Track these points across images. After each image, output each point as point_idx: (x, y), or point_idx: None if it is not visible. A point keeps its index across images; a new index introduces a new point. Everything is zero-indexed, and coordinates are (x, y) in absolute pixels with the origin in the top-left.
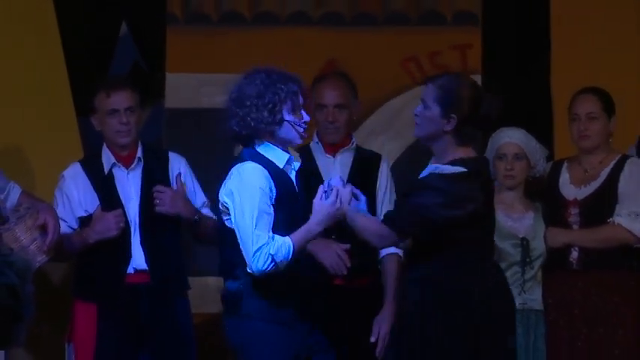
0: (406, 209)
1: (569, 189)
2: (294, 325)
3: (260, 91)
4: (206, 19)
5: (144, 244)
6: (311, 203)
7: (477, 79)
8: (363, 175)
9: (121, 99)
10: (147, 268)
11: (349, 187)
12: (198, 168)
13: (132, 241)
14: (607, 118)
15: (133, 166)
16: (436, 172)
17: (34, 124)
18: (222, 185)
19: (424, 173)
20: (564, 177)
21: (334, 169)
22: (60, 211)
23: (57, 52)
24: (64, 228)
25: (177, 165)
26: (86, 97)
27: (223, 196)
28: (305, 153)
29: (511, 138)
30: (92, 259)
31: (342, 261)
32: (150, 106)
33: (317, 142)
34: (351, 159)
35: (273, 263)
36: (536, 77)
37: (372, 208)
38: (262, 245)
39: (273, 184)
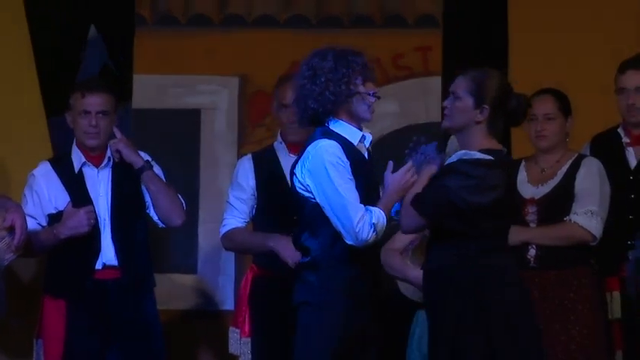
0: (432, 191)
1: (527, 188)
2: (366, 302)
3: (333, 66)
4: (174, 22)
5: (114, 240)
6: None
7: (438, 80)
8: None
9: (94, 101)
10: (117, 264)
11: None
12: (165, 168)
13: (102, 237)
14: (564, 118)
15: (102, 165)
16: (465, 157)
17: (3, 124)
18: (300, 165)
19: (452, 159)
20: (522, 176)
21: None
22: (29, 209)
23: (27, 53)
24: (33, 225)
25: None
26: (56, 98)
27: (304, 177)
28: (268, 153)
29: None
30: (62, 255)
31: None
32: (118, 107)
33: (280, 142)
34: None
35: (375, 232)
36: None
37: None
38: (363, 215)
39: (348, 161)
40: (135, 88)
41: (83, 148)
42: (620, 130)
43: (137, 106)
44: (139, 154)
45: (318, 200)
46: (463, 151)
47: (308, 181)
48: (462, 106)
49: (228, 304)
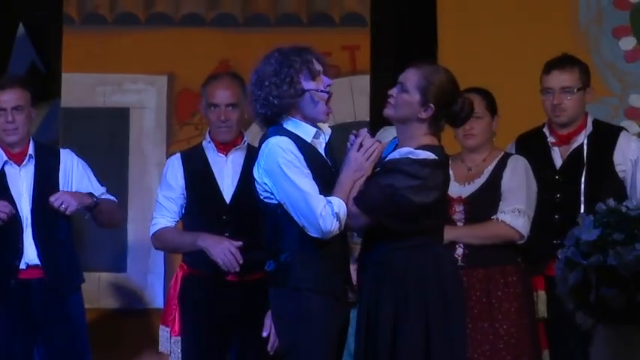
0: (375, 188)
1: (454, 186)
2: (341, 297)
3: (276, 69)
4: (101, 20)
5: (36, 239)
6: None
7: (366, 79)
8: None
9: (8, 98)
10: (39, 263)
11: (377, 142)
12: (93, 166)
13: (24, 236)
14: (490, 117)
15: (24, 163)
16: (410, 156)
17: None
18: (256, 166)
19: (394, 155)
20: None
21: (226, 167)
22: None
23: None
24: None
25: (70, 160)
26: None
27: (262, 177)
28: (197, 152)
29: (395, 136)
30: None
31: (234, 258)
32: (46, 105)
33: (209, 142)
34: (243, 158)
35: (338, 222)
36: None
37: None
38: (325, 206)
39: (302, 155)
40: (63, 87)
41: (4, 147)
42: (545, 130)
43: (66, 105)
44: (84, 196)
45: (278, 198)
46: (407, 149)
47: (266, 180)
48: (408, 99)
49: (158, 303)
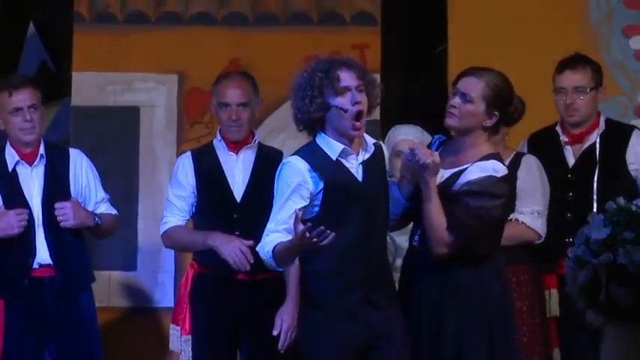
0: (467, 215)
1: None
2: (358, 312)
3: (301, 83)
4: (112, 19)
5: (48, 239)
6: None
7: (376, 77)
8: (265, 172)
9: (24, 97)
10: (51, 262)
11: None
12: (103, 165)
13: (36, 236)
14: None
15: (35, 163)
16: (493, 174)
17: None
18: None
19: (476, 173)
20: None
21: (237, 166)
22: None
23: None
24: None
25: (79, 160)
26: None
27: None
28: (208, 151)
29: (407, 135)
30: None
31: (244, 257)
32: (56, 104)
33: (220, 140)
34: (254, 156)
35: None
36: (433, 76)
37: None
38: (266, 235)
39: (316, 176)
40: (73, 86)
41: (17, 146)
42: (557, 129)
43: (76, 104)
44: (88, 216)
45: None
46: (488, 165)
47: None
48: (473, 110)
49: (168, 301)
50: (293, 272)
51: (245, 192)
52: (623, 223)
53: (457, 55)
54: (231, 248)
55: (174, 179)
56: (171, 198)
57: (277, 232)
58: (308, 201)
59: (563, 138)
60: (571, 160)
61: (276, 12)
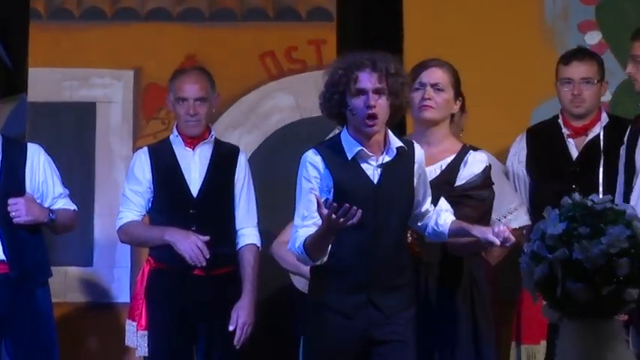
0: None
1: None
2: (355, 316)
3: (325, 80)
4: (68, 15)
5: (1, 235)
6: None
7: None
8: (221, 167)
9: None
10: (4, 258)
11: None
12: (60, 161)
13: None
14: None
15: None
16: (486, 164)
17: None
18: None
19: (476, 167)
20: None
21: (194, 161)
22: None
23: None
24: None
25: (37, 155)
26: None
27: None
28: (164, 146)
29: None
30: None
31: (201, 252)
32: (13, 100)
33: (176, 136)
34: (211, 152)
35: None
36: None
37: (230, 201)
38: (295, 232)
39: (328, 172)
40: (30, 82)
41: None
42: (559, 121)
43: (32, 100)
44: (42, 212)
45: None
46: (479, 156)
47: None
48: (448, 97)
49: (124, 297)
50: (248, 268)
51: (201, 187)
52: (578, 219)
53: (413, 51)
54: (187, 244)
55: (130, 174)
56: (127, 193)
57: (305, 227)
58: (327, 194)
59: (566, 131)
60: (574, 153)
61: (233, 8)
